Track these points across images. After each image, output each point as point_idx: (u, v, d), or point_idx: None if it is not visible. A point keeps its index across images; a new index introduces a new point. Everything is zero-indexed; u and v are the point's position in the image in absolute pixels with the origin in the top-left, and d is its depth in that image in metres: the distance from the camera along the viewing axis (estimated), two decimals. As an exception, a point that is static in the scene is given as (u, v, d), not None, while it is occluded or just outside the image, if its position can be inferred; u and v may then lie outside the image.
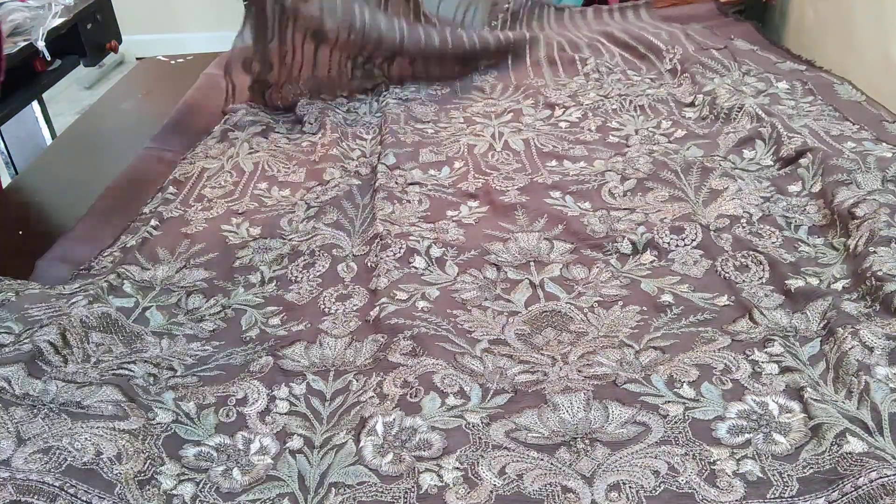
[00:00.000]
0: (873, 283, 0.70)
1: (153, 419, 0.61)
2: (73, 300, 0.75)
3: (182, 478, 0.57)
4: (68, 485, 0.52)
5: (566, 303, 0.76)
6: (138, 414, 0.60)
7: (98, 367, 0.67)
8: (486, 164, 1.04)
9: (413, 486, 0.56)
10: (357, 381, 0.67)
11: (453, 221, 0.91)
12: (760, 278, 0.76)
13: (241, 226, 0.94)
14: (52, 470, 0.53)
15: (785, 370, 0.64)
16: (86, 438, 0.56)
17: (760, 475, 0.55)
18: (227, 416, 0.64)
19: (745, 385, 0.63)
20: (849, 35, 1.35)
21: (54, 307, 0.74)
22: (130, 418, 0.60)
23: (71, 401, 0.60)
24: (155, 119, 1.28)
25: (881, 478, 0.51)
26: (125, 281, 0.81)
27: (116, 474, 0.55)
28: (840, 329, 0.65)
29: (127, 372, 0.66)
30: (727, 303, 0.74)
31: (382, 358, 0.69)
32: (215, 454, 0.60)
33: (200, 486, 0.57)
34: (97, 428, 0.58)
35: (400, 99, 1.26)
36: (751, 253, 0.80)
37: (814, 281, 0.75)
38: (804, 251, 0.80)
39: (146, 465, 0.57)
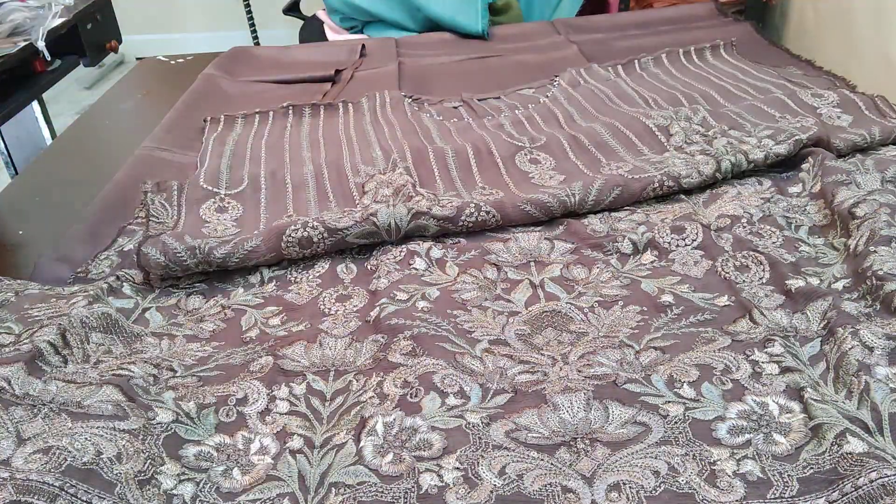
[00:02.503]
0: (874, 282, 0.70)
1: (153, 419, 0.61)
2: (73, 300, 0.75)
3: (182, 477, 0.57)
4: (68, 485, 0.52)
5: (566, 303, 0.76)
6: (138, 413, 0.60)
7: (98, 367, 0.67)
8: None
9: (413, 486, 0.56)
10: (357, 380, 0.67)
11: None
12: (761, 278, 0.76)
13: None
14: (52, 470, 0.53)
15: (785, 370, 0.64)
16: (85, 439, 0.56)
17: (760, 475, 0.55)
18: (228, 415, 0.64)
19: (746, 385, 0.63)
20: (849, 35, 1.35)
21: (54, 307, 0.74)
22: (130, 418, 0.60)
23: (71, 400, 0.60)
24: (155, 119, 1.28)
25: (881, 478, 0.51)
26: (124, 283, 0.81)
27: (116, 474, 0.54)
28: (840, 329, 0.65)
29: (127, 372, 0.66)
30: (727, 303, 0.74)
31: (382, 358, 0.69)
32: (215, 454, 0.60)
33: (200, 485, 0.57)
34: (97, 428, 0.58)
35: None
36: (751, 253, 0.80)
37: (814, 281, 0.75)
38: (804, 251, 0.80)
39: (146, 465, 0.57)
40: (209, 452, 0.60)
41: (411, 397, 0.64)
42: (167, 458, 0.58)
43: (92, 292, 0.76)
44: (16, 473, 0.52)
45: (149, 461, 0.57)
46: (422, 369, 0.66)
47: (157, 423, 0.61)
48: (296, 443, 0.61)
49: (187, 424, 0.62)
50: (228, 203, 0.96)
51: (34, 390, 0.61)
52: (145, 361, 0.68)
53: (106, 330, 0.71)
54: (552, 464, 0.57)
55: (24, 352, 0.64)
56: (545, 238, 0.86)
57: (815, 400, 0.59)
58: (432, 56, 1.56)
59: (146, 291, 0.82)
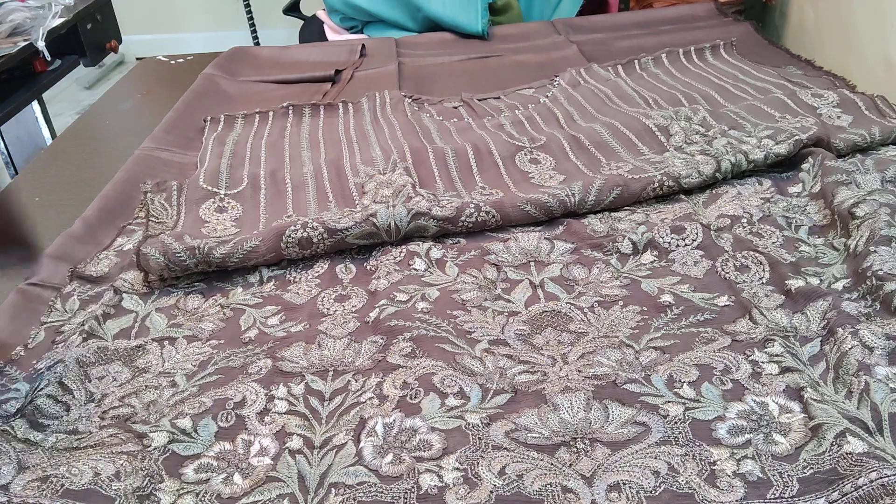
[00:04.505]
0: (874, 282, 0.70)
1: (149, 445, 0.61)
2: (69, 341, 0.73)
3: (181, 492, 0.57)
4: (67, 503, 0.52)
5: (566, 303, 0.76)
6: (135, 442, 0.61)
7: (101, 404, 0.66)
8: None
9: (413, 487, 0.56)
10: (356, 380, 0.67)
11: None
12: (761, 278, 0.76)
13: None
14: (51, 495, 0.53)
15: (785, 370, 0.64)
16: (83, 463, 0.57)
17: (760, 475, 0.55)
18: (226, 420, 0.64)
19: (745, 385, 0.63)
20: (849, 35, 1.35)
21: (51, 353, 0.72)
22: (128, 444, 0.60)
23: (70, 448, 0.60)
24: (155, 119, 1.28)
25: (881, 478, 0.51)
26: (123, 295, 0.80)
27: (115, 490, 0.55)
28: (840, 329, 0.65)
29: (128, 410, 0.65)
30: (727, 303, 0.74)
31: (381, 359, 0.69)
32: (215, 463, 0.60)
33: (200, 496, 0.57)
34: (95, 453, 0.58)
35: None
36: (751, 253, 0.79)
37: (814, 281, 0.75)
38: (804, 251, 0.80)
39: (145, 482, 0.57)
40: (209, 463, 0.60)
41: (411, 398, 0.64)
42: (166, 476, 0.58)
43: (86, 327, 0.74)
44: (13, 498, 0.52)
45: (147, 478, 0.57)
46: (421, 370, 0.66)
47: (154, 449, 0.61)
48: (295, 443, 0.61)
49: (184, 441, 0.62)
50: (228, 203, 0.96)
51: (35, 438, 0.61)
52: (146, 386, 0.68)
53: (106, 361, 0.71)
54: (552, 464, 0.57)
55: (27, 410, 0.63)
56: (545, 238, 0.86)
57: (814, 400, 0.59)
58: (432, 56, 1.56)
59: (145, 297, 0.81)
